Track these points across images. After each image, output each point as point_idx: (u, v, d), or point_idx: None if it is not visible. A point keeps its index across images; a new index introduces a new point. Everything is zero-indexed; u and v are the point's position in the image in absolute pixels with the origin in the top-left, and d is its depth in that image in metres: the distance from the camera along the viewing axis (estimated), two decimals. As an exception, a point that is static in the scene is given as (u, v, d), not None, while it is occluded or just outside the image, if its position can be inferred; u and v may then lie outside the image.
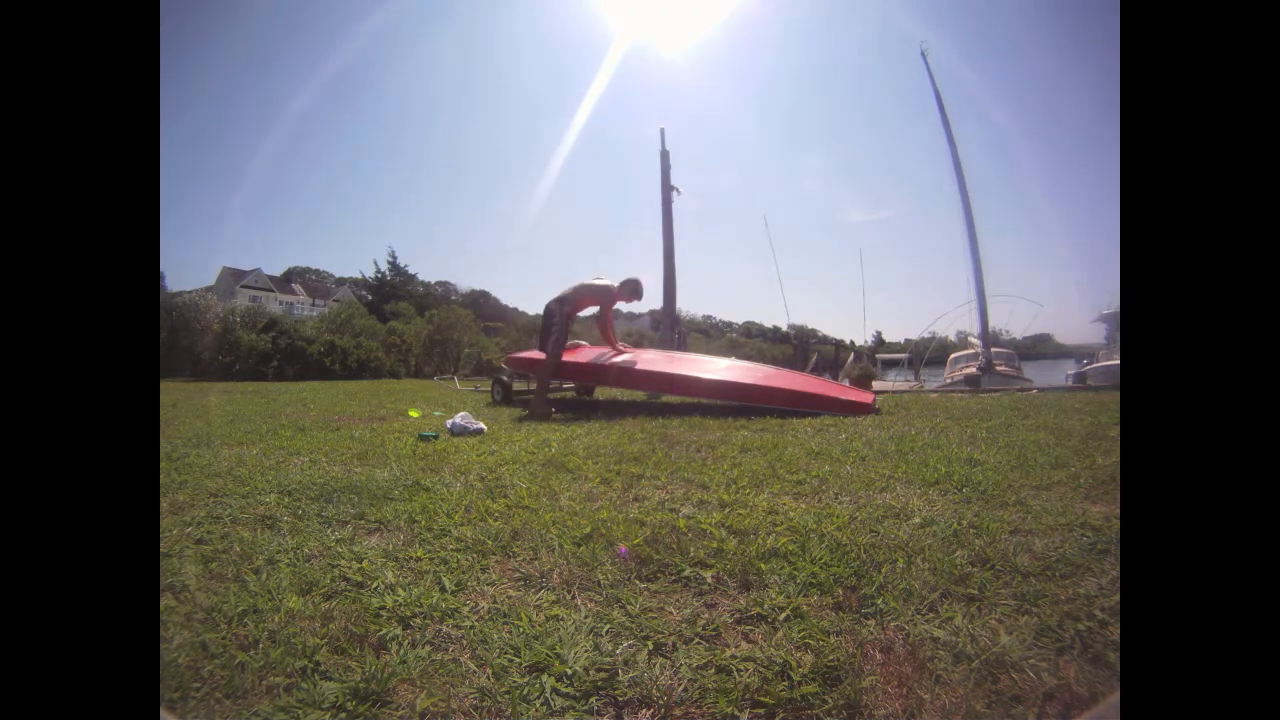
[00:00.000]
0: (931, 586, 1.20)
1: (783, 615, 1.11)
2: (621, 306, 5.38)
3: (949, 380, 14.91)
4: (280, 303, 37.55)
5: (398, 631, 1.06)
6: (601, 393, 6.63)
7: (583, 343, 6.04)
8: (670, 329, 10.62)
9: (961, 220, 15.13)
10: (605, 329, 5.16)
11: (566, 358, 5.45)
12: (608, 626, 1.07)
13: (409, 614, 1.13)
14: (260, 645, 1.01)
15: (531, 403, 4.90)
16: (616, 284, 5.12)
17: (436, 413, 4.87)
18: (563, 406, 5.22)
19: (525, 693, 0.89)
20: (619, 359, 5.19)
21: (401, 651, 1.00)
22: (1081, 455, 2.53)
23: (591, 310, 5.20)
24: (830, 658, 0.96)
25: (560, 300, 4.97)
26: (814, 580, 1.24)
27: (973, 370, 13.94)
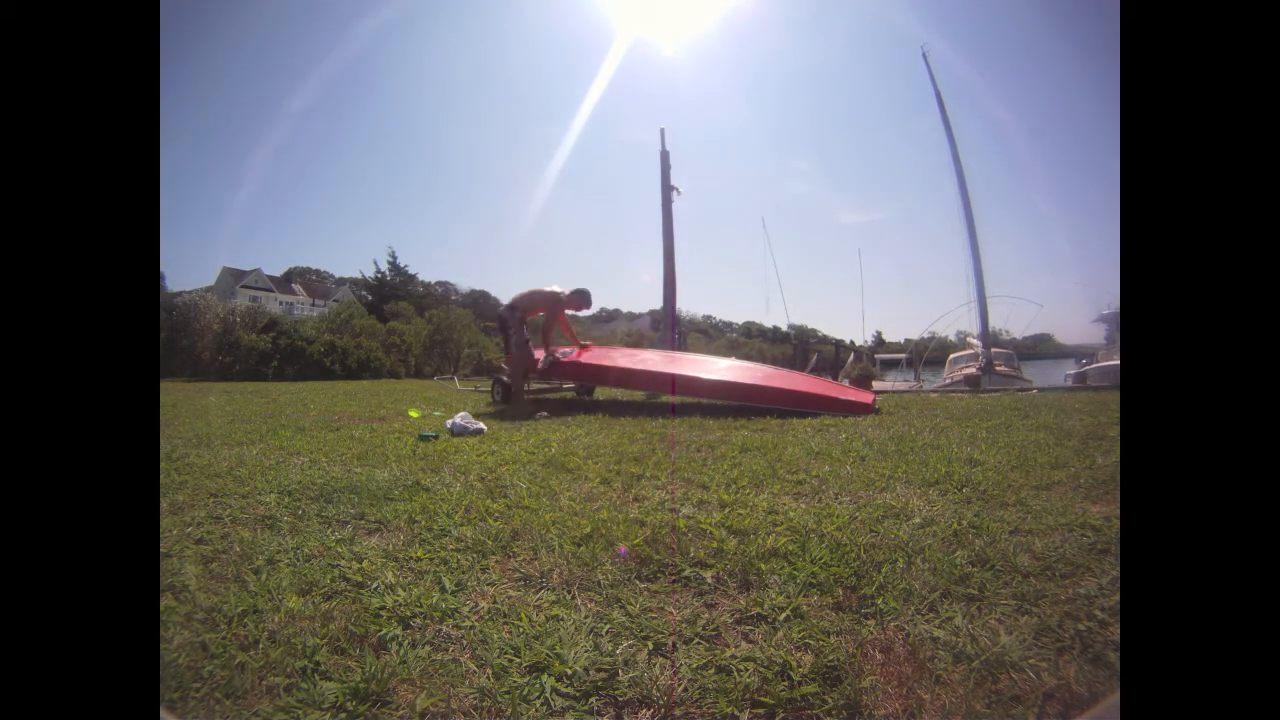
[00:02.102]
0: (931, 586, 1.20)
1: (783, 615, 1.11)
2: (621, 307, 5.50)
3: (949, 380, 14.91)
4: (280, 303, 37.54)
5: (398, 631, 1.06)
6: (601, 393, 6.63)
7: (588, 343, 6.09)
8: (670, 329, 10.62)
9: (961, 220, 15.16)
10: (548, 333, 5.46)
11: (569, 358, 5.45)
12: (608, 626, 1.07)
13: (409, 614, 1.13)
14: (260, 645, 1.01)
15: (512, 403, 5.10)
16: (566, 292, 5.34)
17: (436, 413, 4.87)
18: (562, 407, 5.22)
19: (525, 693, 0.89)
20: (552, 358, 5.40)
21: (401, 651, 0.99)
22: (1081, 455, 2.53)
23: (542, 314, 5.45)
24: (830, 658, 0.96)
25: (511, 307, 5.20)
26: (814, 580, 1.24)
27: (972, 370, 13.94)
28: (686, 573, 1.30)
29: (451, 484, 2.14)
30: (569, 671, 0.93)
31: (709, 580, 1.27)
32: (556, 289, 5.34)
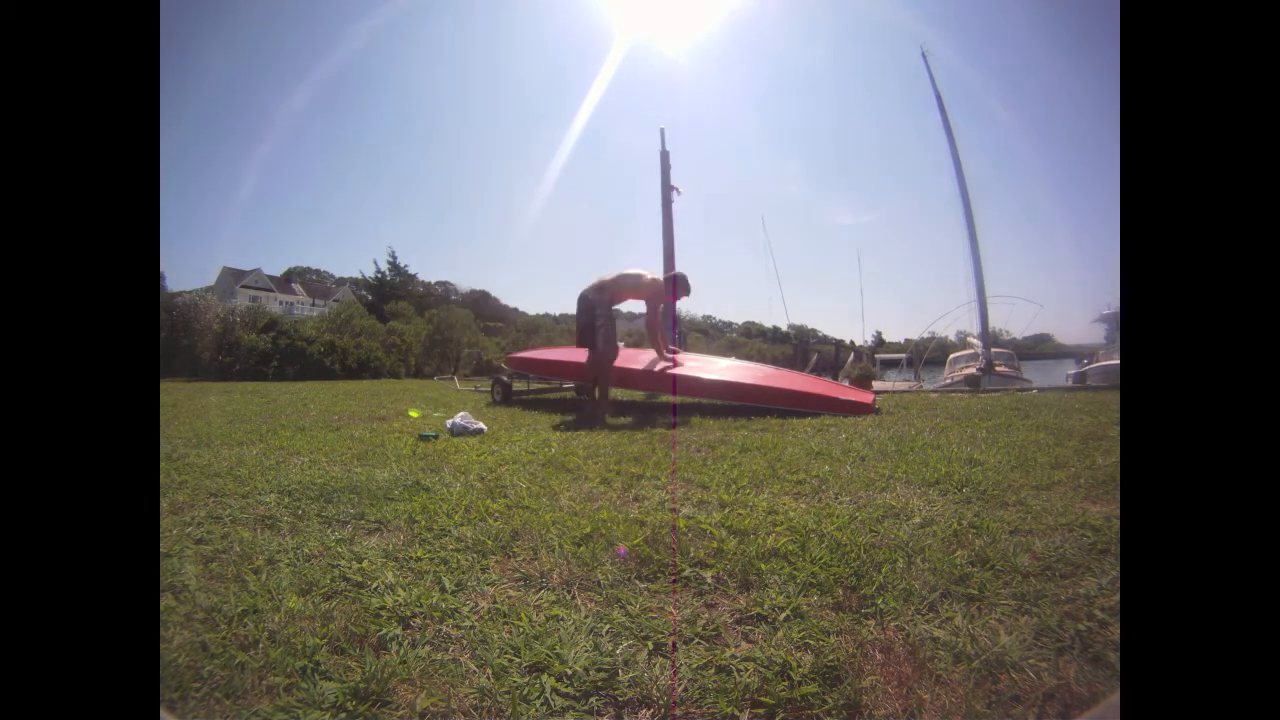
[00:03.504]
0: (931, 586, 1.20)
1: (783, 615, 1.11)
2: (621, 307, 4.91)
3: (949, 380, 14.91)
4: (280, 303, 37.60)
5: (398, 631, 1.06)
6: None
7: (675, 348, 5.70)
8: (671, 329, 10.61)
9: (961, 220, 15.17)
10: (654, 328, 4.66)
11: (570, 358, 5.41)
12: (608, 626, 1.07)
13: (409, 614, 1.13)
14: (260, 645, 1.01)
15: (595, 405, 4.35)
16: (660, 278, 4.52)
17: (436, 413, 4.86)
18: (563, 406, 5.22)
19: (525, 693, 0.89)
20: (666, 365, 4.71)
21: (401, 651, 1.00)
22: (1081, 455, 2.53)
23: (629, 304, 4.71)
24: (830, 658, 0.96)
25: (600, 289, 4.36)
26: (814, 580, 1.24)
27: (972, 370, 13.95)
28: (686, 573, 1.30)
29: (451, 484, 2.14)
30: (569, 671, 0.93)
31: (709, 580, 1.27)
32: (653, 275, 4.52)
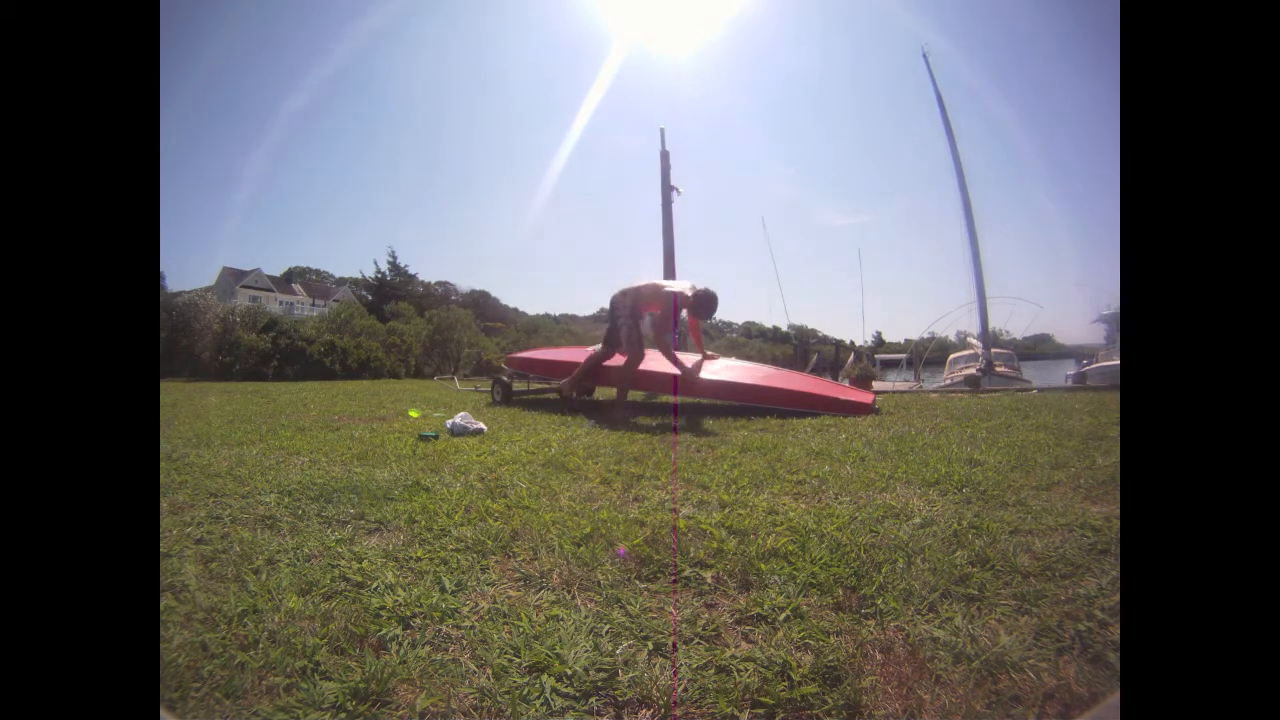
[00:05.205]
0: (931, 586, 1.20)
1: (783, 615, 1.11)
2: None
3: (948, 380, 14.92)
4: (280, 303, 37.60)
5: (398, 631, 1.06)
6: (601, 393, 6.62)
7: (713, 353, 5.58)
8: (671, 329, 10.61)
9: (961, 220, 15.19)
10: (661, 335, 4.65)
11: (570, 358, 5.39)
12: (608, 626, 1.07)
13: (409, 614, 1.13)
14: (260, 645, 1.01)
15: (612, 406, 4.47)
16: (689, 291, 4.56)
17: (436, 413, 4.86)
18: (562, 407, 5.21)
19: (525, 693, 0.89)
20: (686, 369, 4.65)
21: (401, 651, 0.99)
22: (1081, 455, 2.53)
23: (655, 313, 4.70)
24: (830, 658, 0.96)
25: (624, 293, 4.51)
26: (814, 580, 1.24)
27: (972, 371, 13.96)
28: (686, 573, 1.30)
29: (451, 484, 2.14)
30: (569, 671, 0.93)
31: (709, 580, 1.27)
32: (678, 287, 4.59)
